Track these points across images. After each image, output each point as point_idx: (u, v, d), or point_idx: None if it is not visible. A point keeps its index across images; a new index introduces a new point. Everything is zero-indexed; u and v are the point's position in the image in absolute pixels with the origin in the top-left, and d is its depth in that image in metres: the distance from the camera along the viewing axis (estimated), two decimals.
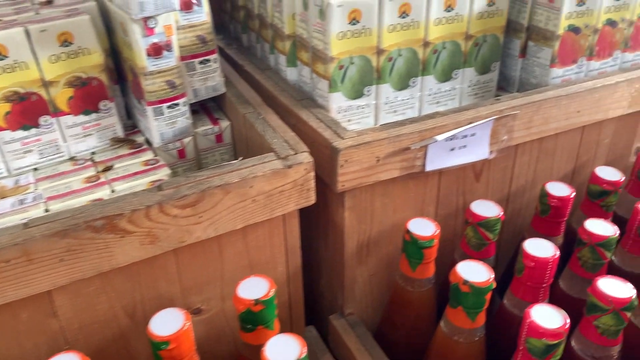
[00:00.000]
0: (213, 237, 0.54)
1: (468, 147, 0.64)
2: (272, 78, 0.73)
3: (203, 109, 0.73)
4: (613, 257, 0.67)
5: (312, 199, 0.56)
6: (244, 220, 0.53)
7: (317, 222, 0.68)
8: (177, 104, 0.64)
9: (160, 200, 0.48)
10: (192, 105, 0.73)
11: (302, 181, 0.54)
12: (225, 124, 0.70)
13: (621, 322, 0.51)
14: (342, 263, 0.66)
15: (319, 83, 0.65)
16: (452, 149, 0.63)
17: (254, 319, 0.50)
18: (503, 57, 0.77)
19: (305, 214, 0.60)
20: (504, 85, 0.78)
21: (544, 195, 0.67)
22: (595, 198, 0.70)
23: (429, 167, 0.63)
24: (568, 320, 0.48)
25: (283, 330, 0.66)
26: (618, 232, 0.60)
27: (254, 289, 0.51)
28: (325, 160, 0.58)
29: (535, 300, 0.57)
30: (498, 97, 0.69)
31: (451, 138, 0.62)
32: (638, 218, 0.64)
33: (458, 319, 0.55)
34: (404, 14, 0.63)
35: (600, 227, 0.60)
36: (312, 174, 0.55)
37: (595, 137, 0.76)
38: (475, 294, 0.53)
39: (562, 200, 0.66)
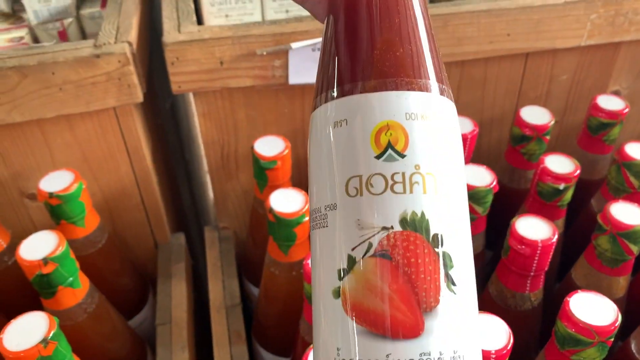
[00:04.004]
0: (32, 123, 0.51)
1: None
2: None
3: None
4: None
5: (137, 97, 0.51)
6: (54, 109, 0.50)
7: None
8: None
9: None
10: None
11: (118, 75, 0.49)
12: None
13: None
14: (205, 172, 0.61)
15: None
16: None
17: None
18: None
19: None
20: None
21: None
22: (516, 143, 0.59)
23: (293, 80, 0.54)
24: None
25: (143, 233, 0.64)
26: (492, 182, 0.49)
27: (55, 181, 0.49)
28: None
29: None
30: None
31: (319, 48, 0.53)
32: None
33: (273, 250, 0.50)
34: None
35: (478, 176, 0.50)
36: (131, 67, 0.49)
37: (546, 71, 0.62)
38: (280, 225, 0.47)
39: None
